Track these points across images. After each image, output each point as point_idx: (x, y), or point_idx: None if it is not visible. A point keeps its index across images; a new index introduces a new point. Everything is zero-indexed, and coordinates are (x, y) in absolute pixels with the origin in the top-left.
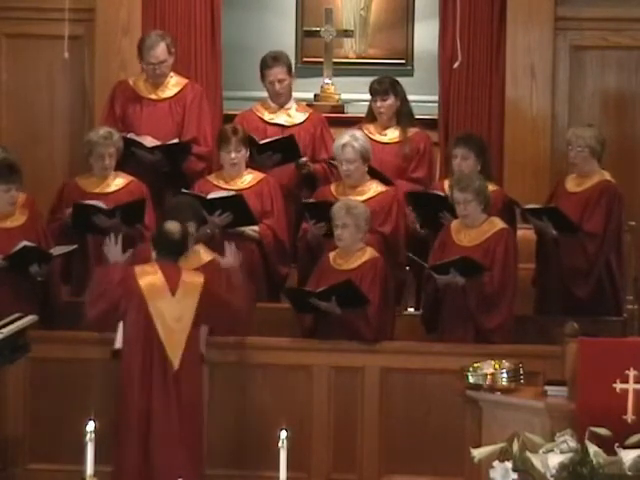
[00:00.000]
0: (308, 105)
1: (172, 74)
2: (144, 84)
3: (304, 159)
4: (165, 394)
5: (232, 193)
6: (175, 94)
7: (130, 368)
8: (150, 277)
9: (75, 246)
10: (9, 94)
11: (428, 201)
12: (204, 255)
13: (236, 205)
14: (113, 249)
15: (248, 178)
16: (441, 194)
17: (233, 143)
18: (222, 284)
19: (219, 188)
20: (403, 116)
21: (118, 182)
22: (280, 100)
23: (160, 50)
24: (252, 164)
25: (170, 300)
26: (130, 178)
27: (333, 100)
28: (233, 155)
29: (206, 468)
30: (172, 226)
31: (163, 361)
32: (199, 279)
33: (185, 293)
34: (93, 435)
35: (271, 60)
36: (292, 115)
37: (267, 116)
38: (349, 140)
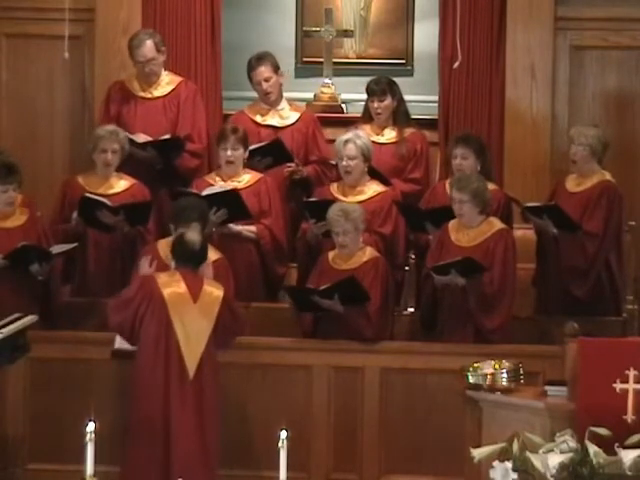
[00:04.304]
0: (308, 105)
1: (166, 72)
2: (138, 83)
3: (294, 165)
4: (181, 401)
5: (227, 188)
6: (169, 92)
7: (145, 374)
8: (173, 285)
9: (75, 244)
10: (9, 94)
11: (415, 211)
12: (211, 254)
13: (231, 200)
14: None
15: (246, 177)
16: (422, 209)
17: (231, 141)
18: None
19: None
20: (400, 116)
21: (121, 184)
22: (270, 100)
23: (147, 48)
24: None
25: (192, 309)
26: (133, 181)
27: (333, 100)
28: (229, 152)
29: None
30: (193, 236)
31: (180, 369)
32: (220, 291)
33: (207, 303)
34: (93, 435)
35: (255, 61)
36: (284, 116)
37: (259, 118)
38: (352, 137)
